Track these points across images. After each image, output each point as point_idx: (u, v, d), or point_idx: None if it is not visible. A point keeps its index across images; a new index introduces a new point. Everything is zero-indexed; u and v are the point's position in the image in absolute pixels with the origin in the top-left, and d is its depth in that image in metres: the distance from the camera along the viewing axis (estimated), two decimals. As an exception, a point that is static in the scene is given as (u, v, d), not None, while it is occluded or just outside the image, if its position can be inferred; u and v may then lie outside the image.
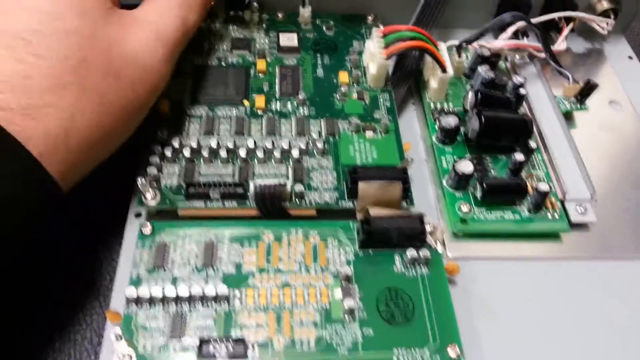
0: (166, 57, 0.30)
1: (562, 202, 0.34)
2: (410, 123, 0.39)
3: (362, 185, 0.30)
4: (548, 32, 0.44)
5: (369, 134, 0.35)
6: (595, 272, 0.32)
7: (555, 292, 0.31)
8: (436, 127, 0.36)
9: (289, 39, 0.40)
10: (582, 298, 0.31)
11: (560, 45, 0.42)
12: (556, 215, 0.33)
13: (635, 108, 0.41)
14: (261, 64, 0.38)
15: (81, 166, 0.26)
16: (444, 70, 0.37)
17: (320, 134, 0.34)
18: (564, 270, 0.32)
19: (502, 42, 0.40)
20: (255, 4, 0.40)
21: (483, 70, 0.37)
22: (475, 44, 0.40)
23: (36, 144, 0.23)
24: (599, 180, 0.36)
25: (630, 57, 0.46)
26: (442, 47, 0.38)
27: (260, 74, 0.38)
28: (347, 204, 0.31)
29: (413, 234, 0.29)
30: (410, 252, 0.29)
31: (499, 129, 0.34)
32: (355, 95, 0.37)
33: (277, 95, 0.37)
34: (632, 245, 0.33)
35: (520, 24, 0.39)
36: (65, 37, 0.25)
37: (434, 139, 0.36)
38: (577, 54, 0.46)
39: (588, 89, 0.38)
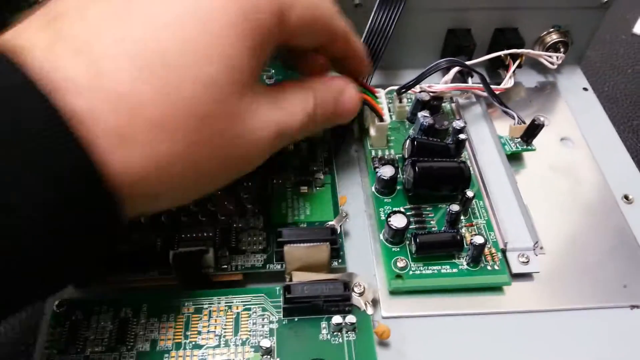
0: (271, 151, 0.27)
1: (504, 252, 0.32)
2: (353, 172, 0.38)
3: (287, 249, 0.29)
4: (497, 69, 0.43)
5: (304, 189, 0.34)
6: (537, 325, 0.31)
7: (495, 347, 0.30)
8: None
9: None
10: (523, 352, 0.29)
11: (507, 83, 0.41)
12: (496, 267, 0.31)
13: (588, 143, 0.40)
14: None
15: (140, 204, 0.22)
16: (381, 118, 0.36)
17: (250, 190, 0.33)
18: (505, 324, 0.30)
19: (443, 85, 0.39)
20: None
21: (421, 116, 0.36)
22: (417, 87, 0.39)
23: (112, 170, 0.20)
24: (548, 226, 0.34)
25: (585, 89, 0.45)
26: (381, 93, 0.37)
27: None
28: (275, 267, 0.30)
29: (336, 300, 0.28)
30: (335, 319, 0.28)
31: (434, 178, 0.33)
32: (291, 147, 0.36)
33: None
34: (580, 295, 0.32)
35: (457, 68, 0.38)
36: (199, 83, 0.22)
37: (372, 189, 0.35)
38: (531, 88, 0.45)
39: (533, 128, 0.37)
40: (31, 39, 0.20)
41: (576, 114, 0.43)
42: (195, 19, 0.22)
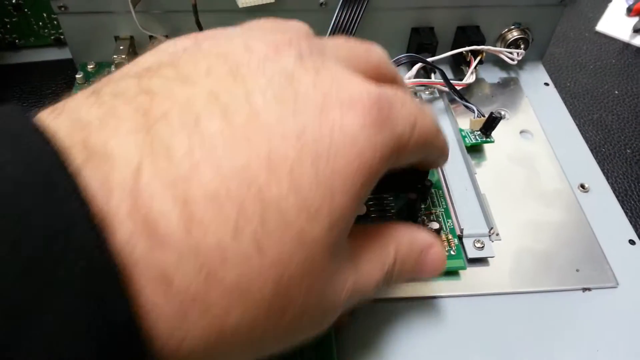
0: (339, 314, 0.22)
1: (460, 238, 0.34)
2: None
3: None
4: (459, 66, 0.45)
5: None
6: (492, 307, 0.32)
7: (451, 329, 0.31)
8: (338, 169, 0.37)
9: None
10: (478, 333, 0.31)
11: (468, 78, 0.43)
12: (452, 252, 0.33)
13: (547, 135, 0.42)
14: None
15: None
16: (344, 112, 0.37)
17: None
18: (461, 307, 0.32)
19: (406, 80, 0.40)
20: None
21: (383, 110, 0.37)
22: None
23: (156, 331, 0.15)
24: (505, 214, 0.36)
25: (546, 84, 0.47)
26: (345, 89, 0.39)
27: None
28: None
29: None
30: (294, 302, 0.29)
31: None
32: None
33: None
34: (535, 279, 0.33)
35: (420, 64, 0.40)
36: (298, 241, 0.17)
37: (336, 181, 0.36)
38: (494, 84, 0.46)
39: (491, 121, 0.39)
40: (119, 146, 0.16)
41: (536, 108, 0.44)
42: (318, 159, 0.18)
